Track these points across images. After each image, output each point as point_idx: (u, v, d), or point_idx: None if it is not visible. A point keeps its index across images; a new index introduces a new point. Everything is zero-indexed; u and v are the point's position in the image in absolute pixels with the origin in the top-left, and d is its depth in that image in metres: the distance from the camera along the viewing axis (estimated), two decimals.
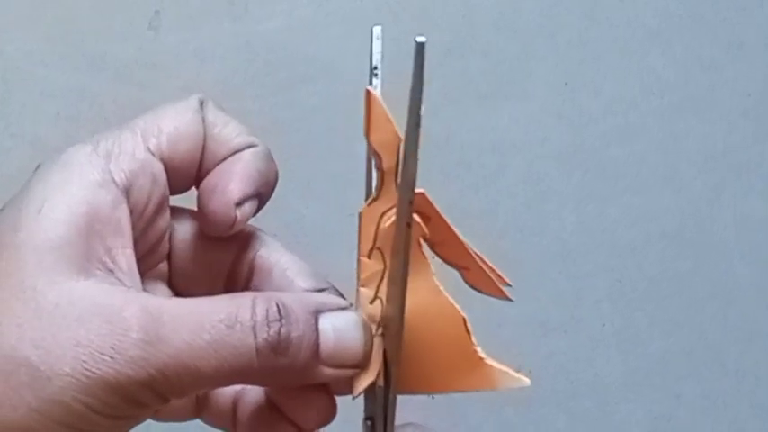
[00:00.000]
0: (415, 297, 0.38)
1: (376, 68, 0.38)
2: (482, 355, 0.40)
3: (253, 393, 0.43)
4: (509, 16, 0.81)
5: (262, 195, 0.40)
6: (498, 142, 0.82)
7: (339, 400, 0.41)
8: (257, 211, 0.41)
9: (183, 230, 0.42)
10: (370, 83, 0.38)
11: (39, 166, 0.39)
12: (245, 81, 0.78)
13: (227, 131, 0.40)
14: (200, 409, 0.43)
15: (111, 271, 0.37)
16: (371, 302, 0.39)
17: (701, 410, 0.85)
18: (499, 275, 0.41)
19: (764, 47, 0.85)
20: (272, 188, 0.41)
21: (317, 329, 0.38)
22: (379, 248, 0.39)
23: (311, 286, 0.41)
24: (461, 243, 0.40)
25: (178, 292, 0.42)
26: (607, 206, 0.83)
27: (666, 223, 0.84)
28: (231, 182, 0.40)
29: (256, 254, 0.42)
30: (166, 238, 0.42)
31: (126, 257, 0.38)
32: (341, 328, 0.38)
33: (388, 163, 0.38)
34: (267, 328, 0.37)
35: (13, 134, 0.76)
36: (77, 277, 0.36)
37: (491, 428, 0.83)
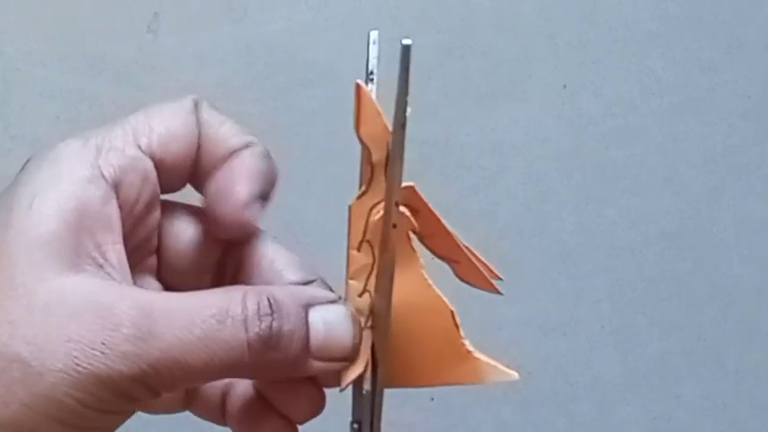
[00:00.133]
0: (404, 290, 0.39)
1: (372, 73, 0.38)
2: (470, 348, 0.40)
3: (242, 386, 0.43)
4: (508, 18, 0.82)
5: (267, 195, 0.41)
6: (498, 143, 0.82)
7: (328, 396, 0.42)
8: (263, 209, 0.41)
9: (172, 224, 0.42)
10: (366, 87, 0.38)
11: (28, 160, 0.39)
12: (245, 84, 0.79)
13: (224, 131, 0.40)
14: (189, 401, 0.43)
15: (101, 266, 0.37)
16: (360, 295, 0.39)
17: (700, 411, 0.85)
18: (489, 268, 0.41)
19: (764, 48, 0.85)
20: (274, 186, 0.41)
21: (307, 323, 0.38)
22: (368, 241, 0.39)
23: (299, 278, 0.41)
24: (451, 236, 0.40)
25: (167, 285, 0.42)
26: (606, 207, 0.83)
27: (666, 224, 0.84)
28: (238, 184, 0.40)
29: (245, 246, 0.42)
30: (156, 233, 0.42)
31: (116, 252, 0.38)
32: (331, 322, 0.39)
33: (377, 156, 0.38)
34: (259, 323, 0.37)
35: (12, 135, 0.76)
36: (68, 273, 0.36)
37: (490, 429, 0.83)
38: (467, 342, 0.40)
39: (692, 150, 0.84)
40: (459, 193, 0.81)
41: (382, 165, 0.38)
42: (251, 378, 0.42)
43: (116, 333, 0.35)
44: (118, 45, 0.77)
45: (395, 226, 0.37)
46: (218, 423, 0.44)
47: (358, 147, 0.39)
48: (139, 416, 0.39)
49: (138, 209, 0.40)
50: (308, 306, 0.38)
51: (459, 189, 0.81)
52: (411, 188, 0.39)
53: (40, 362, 0.35)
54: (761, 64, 0.85)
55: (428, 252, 0.41)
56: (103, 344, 0.35)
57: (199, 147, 0.40)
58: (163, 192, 0.41)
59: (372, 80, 0.38)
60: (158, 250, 0.42)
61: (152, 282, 0.42)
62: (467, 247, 0.41)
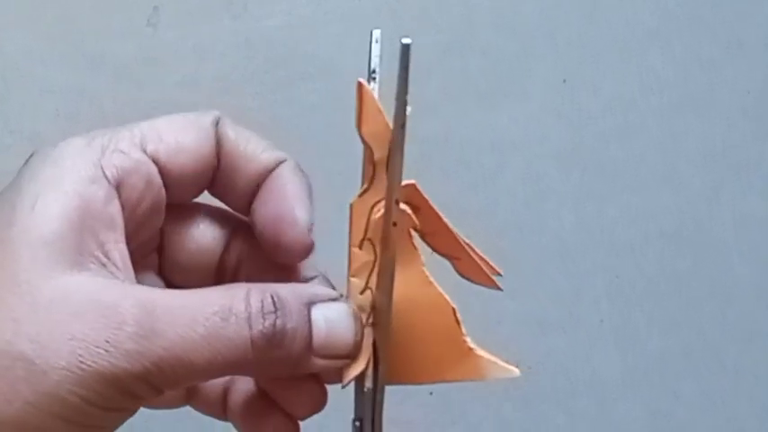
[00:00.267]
0: (405, 288, 0.39)
1: (374, 72, 0.38)
2: (471, 345, 0.40)
3: (243, 382, 0.43)
4: (508, 15, 0.81)
5: (313, 208, 0.41)
6: (497, 141, 0.82)
7: (330, 392, 0.42)
8: None
9: (174, 221, 0.42)
10: (369, 86, 0.38)
11: (31, 155, 0.39)
12: (245, 78, 0.78)
13: (252, 147, 0.41)
14: (190, 396, 0.44)
15: (104, 265, 0.38)
16: (362, 293, 0.40)
17: (699, 408, 0.85)
18: (489, 265, 0.41)
19: (763, 45, 0.85)
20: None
21: (309, 321, 0.38)
22: (369, 239, 0.39)
23: (302, 274, 0.42)
24: (452, 233, 0.40)
25: (169, 282, 0.43)
26: (606, 205, 0.83)
27: (665, 222, 0.84)
28: (296, 208, 0.40)
29: (246, 242, 0.42)
30: (158, 234, 0.42)
31: (119, 251, 0.38)
32: (333, 319, 0.39)
33: (378, 154, 0.38)
34: (262, 320, 0.37)
35: (12, 131, 0.76)
36: (71, 271, 0.36)
37: (490, 426, 0.83)
38: (468, 339, 0.40)
39: (691, 147, 0.84)
40: (459, 190, 0.81)
41: (384, 163, 0.38)
42: (253, 375, 0.42)
43: (120, 331, 0.36)
44: (117, 40, 0.77)
45: (395, 224, 0.37)
46: (218, 418, 0.44)
47: (358, 141, 0.39)
48: (141, 411, 0.39)
49: (140, 211, 0.40)
50: (310, 303, 0.39)
51: (459, 186, 0.81)
52: (412, 186, 0.39)
53: (44, 360, 0.35)
54: (760, 61, 0.85)
55: (428, 249, 0.41)
56: (107, 342, 0.35)
57: (220, 162, 0.41)
58: (174, 201, 0.41)
59: (375, 78, 0.38)
60: (160, 247, 0.42)
61: (154, 279, 0.42)
62: (467, 244, 0.41)
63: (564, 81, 0.82)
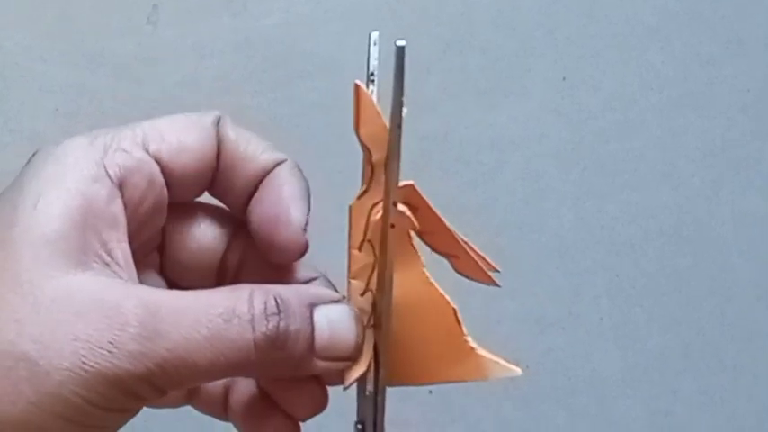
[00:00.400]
0: (406, 289, 0.39)
1: (372, 74, 0.38)
2: (473, 345, 0.40)
3: (244, 382, 0.43)
4: (507, 13, 0.81)
5: (309, 209, 0.41)
6: (496, 139, 0.82)
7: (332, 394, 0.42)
8: None
9: (176, 220, 0.42)
10: (367, 88, 0.38)
11: (34, 154, 0.39)
12: (244, 77, 0.78)
13: (253, 148, 0.41)
14: (191, 396, 0.44)
15: (107, 264, 0.37)
16: (362, 294, 0.40)
17: (698, 406, 0.85)
18: (487, 261, 0.41)
19: (763, 43, 0.85)
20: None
21: (312, 322, 0.38)
22: (369, 241, 0.39)
23: (303, 275, 0.42)
24: (450, 232, 0.40)
25: (170, 281, 0.43)
26: (605, 202, 0.83)
27: (665, 220, 0.84)
28: (291, 208, 0.40)
29: (248, 242, 0.42)
30: (160, 233, 0.42)
31: (122, 251, 0.38)
32: (335, 321, 0.39)
33: (377, 156, 0.38)
34: (266, 322, 0.37)
35: (11, 129, 0.76)
36: (74, 271, 0.36)
37: (490, 424, 0.83)
38: (469, 339, 0.40)
39: (691, 145, 0.84)
40: (458, 188, 0.81)
41: (382, 165, 0.38)
42: (256, 376, 0.42)
43: (123, 332, 0.36)
44: (117, 39, 0.77)
45: (393, 226, 0.37)
46: (219, 418, 0.44)
47: (357, 140, 0.38)
48: (141, 410, 0.39)
49: (142, 210, 0.40)
50: (312, 305, 0.39)
51: (458, 184, 0.81)
52: (411, 186, 0.39)
53: (47, 360, 0.35)
54: (760, 59, 0.85)
55: (427, 248, 0.41)
56: (110, 343, 0.35)
57: (219, 162, 0.41)
58: (176, 200, 0.41)
59: (373, 81, 0.38)
60: (162, 247, 0.42)
61: (156, 278, 0.42)
62: (464, 242, 0.41)
63: (563, 79, 0.82)
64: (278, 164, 0.41)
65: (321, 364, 0.39)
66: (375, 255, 0.39)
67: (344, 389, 0.40)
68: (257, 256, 0.42)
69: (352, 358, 0.39)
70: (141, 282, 0.39)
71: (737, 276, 0.85)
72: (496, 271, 0.41)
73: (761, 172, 0.85)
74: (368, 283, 0.39)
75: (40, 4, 0.76)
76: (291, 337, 0.37)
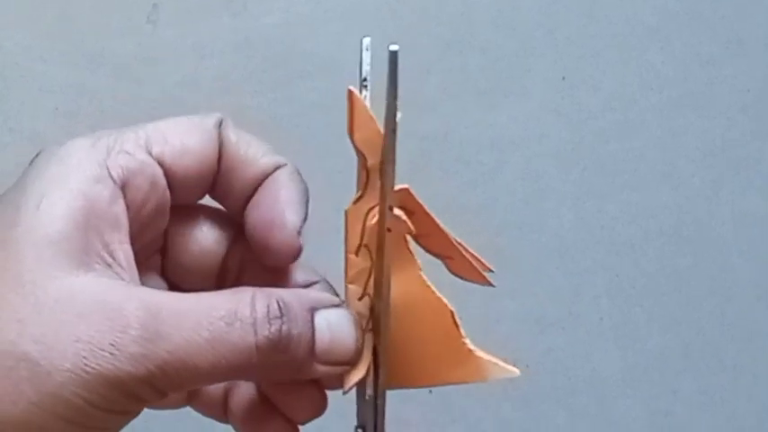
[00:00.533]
0: (403, 293, 0.39)
1: (365, 80, 0.38)
2: (471, 347, 0.40)
3: (244, 385, 0.43)
4: (507, 13, 0.81)
5: (307, 214, 0.41)
6: (496, 139, 0.82)
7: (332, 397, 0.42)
8: None
9: (178, 222, 0.42)
10: (360, 93, 0.38)
11: (37, 154, 0.39)
12: (244, 77, 0.78)
13: (253, 152, 0.41)
14: (191, 397, 0.44)
15: (109, 265, 0.37)
16: (360, 299, 0.40)
17: (698, 406, 0.85)
18: (481, 262, 0.41)
19: (763, 43, 0.85)
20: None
21: (313, 327, 0.38)
22: (366, 245, 0.39)
23: (303, 279, 0.42)
24: (444, 234, 0.40)
25: (171, 283, 0.43)
26: (605, 202, 0.83)
27: (665, 220, 0.84)
28: (286, 211, 0.40)
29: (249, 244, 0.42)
30: (162, 235, 0.42)
31: (124, 252, 0.38)
32: (335, 325, 0.39)
33: (371, 161, 0.38)
34: (268, 326, 0.37)
35: (11, 129, 0.76)
36: (77, 272, 0.36)
37: (489, 424, 0.83)
38: (468, 341, 0.40)
39: (691, 145, 0.84)
40: (458, 187, 0.81)
41: (377, 169, 0.38)
42: (256, 380, 0.42)
43: (124, 334, 0.36)
44: (117, 38, 0.77)
45: (389, 230, 0.37)
46: (219, 420, 0.44)
47: (351, 145, 0.38)
48: (143, 411, 0.39)
49: (144, 212, 0.40)
50: (313, 309, 0.39)
51: (458, 184, 0.81)
52: (406, 190, 0.39)
53: (49, 361, 0.35)
54: (760, 59, 0.85)
55: (422, 249, 0.41)
56: (112, 345, 0.35)
57: (220, 165, 0.41)
58: (178, 202, 0.41)
59: (366, 86, 0.38)
60: (164, 248, 0.42)
61: (157, 280, 0.42)
62: (459, 243, 0.41)
63: (563, 79, 0.82)
64: (277, 167, 0.41)
65: (321, 368, 0.39)
66: (372, 259, 0.39)
67: (344, 393, 0.40)
68: (257, 259, 0.42)
69: (352, 362, 0.39)
70: (143, 283, 0.39)
71: (737, 276, 0.85)
72: (491, 271, 0.41)
73: (761, 172, 0.85)
74: (365, 288, 0.39)
75: (39, 4, 0.76)
76: (293, 340, 0.38)
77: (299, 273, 0.42)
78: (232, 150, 0.41)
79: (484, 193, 0.82)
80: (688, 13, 0.83)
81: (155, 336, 0.36)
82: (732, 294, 0.85)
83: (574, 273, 0.83)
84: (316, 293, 0.40)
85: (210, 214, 0.43)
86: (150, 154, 0.39)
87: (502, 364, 0.40)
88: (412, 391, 0.41)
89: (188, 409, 0.44)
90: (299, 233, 0.40)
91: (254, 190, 0.41)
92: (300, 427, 0.43)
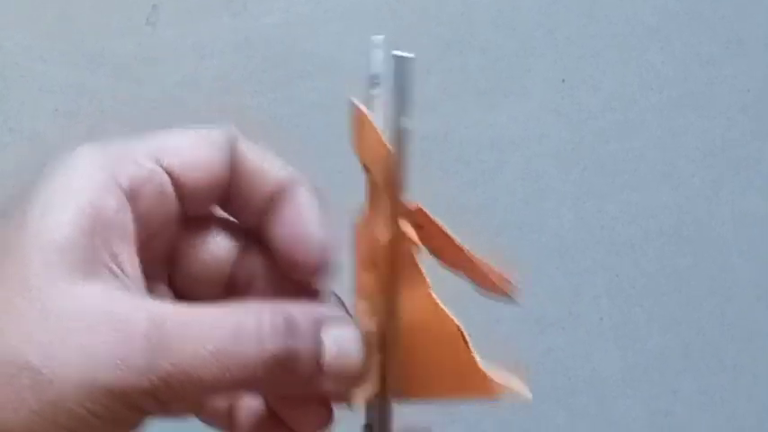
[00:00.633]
0: (412, 310, 0.38)
1: (376, 77, 0.38)
2: (481, 365, 0.40)
3: (250, 397, 0.43)
4: (507, 13, 0.81)
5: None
6: (496, 139, 0.82)
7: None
8: None
9: (186, 233, 0.42)
10: (370, 92, 0.38)
11: (46, 165, 0.39)
12: (244, 77, 0.78)
13: (268, 166, 0.41)
14: (196, 407, 0.43)
15: (115, 275, 0.37)
16: (369, 315, 0.39)
17: (698, 406, 0.85)
18: (505, 277, 0.41)
19: (763, 43, 0.85)
20: None
21: (320, 342, 0.38)
22: (375, 262, 0.39)
23: (312, 291, 0.42)
24: (459, 249, 0.40)
25: (178, 293, 0.42)
26: (605, 203, 0.83)
27: (665, 220, 0.84)
28: (313, 229, 0.40)
29: (258, 257, 0.42)
30: (170, 246, 0.42)
31: (131, 261, 0.38)
32: (343, 341, 0.38)
33: (378, 177, 0.38)
34: (275, 340, 0.37)
35: (11, 129, 0.76)
36: (83, 282, 0.36)
37: (489, 425, 0.83)
38: (478, 359, 0.40)
39: (691, 145, 0.84)
40: (458, 188, 0.81)
41: (384, 186, 0.38)
42: (262, 393, 0.42)
43: (129, 345, 0.35)
44: (117, 39, 0.77)
45: (400, 246, 0.37)
46: (224, 430, 0.43)
47: (358, 161, 0.38)
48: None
49: (152, 222, 0.40)
50: (321, 324, 0.38)
51: (458, 184, 0.81)
52: (416, 206, 0.38)
53: (51, 370, 0.35)
54: (760, 59, 0.85)
55: (434, 264, 0.40)
56: (116, 355, 0.35)
57: (234, 179, 0.41)
58: (185, 213, 0.41)
59: (377, 84, 0.38)
60: (171, 258, 0.42)
61: (164, 289, 0.42)
62: (479, 259, 0.40)
63: (563, 80, 0.82)
64: (293, 181, 0.41)
65: (328, 383, 0.38)
66: (381, 275, 0.39)
67: (351, 409, 0.40)
68: (266, 271, 0.42)
69: (359, 378, 0.39)
70: (149, 293, 0.39)
71: (737, 276, 0.85)
72: (515, 286, 0.41)
73: (761, 172, 0.85)
74: (374, 304, 0.39)
75: (40, 4, 0.76)
76: (299, 356, 0.37)
77: (308, 284, 0.42)
78: (246, 165, 0.41)
79: (484, 193, 0.82)
80: (688, 13, 0.83)
81: (159, 347, 0.35)
82: (732, 294, 0.85)
83: (574, 273, 0.83)
84: (323, 308, 0.40)
85: (219, 224, 0.42)
86: (159, 164, 0.39)
87: (513, 383, 0.40)
88: None
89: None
90: (329, 250, 0.40)
91: (270, 204, 0.41)
92: None
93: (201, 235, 0.42)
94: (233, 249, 0.42)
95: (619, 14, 0.83)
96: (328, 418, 0.41)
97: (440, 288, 0.40)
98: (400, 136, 0.34)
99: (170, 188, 0.40)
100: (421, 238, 0.38)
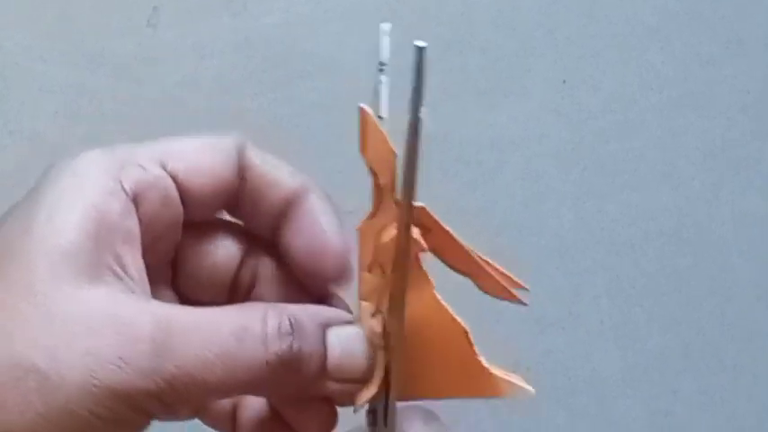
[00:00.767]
0: (416, 311, 0.39)
1: (383, 64, 0.38)
2: (485, 365, 0.40)
3: (254, 399, 0.43)
4: (508, 13, 0.81)
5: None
6: (497, 139, 0.82)
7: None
8: None
9: (189, 237, 0.42)
10: (378, 78, 0.38)
11: (51, 166, 0.39)
12: (244, 77, 0.78)
13: (279, 173, 0.41)
14: (199, 409, 0.43)
15: (120, 278, 0.37)
16: (373, 316, 0.39)
17: (698, 406, 0.85)
18: (512, 280, 0.41)
19: (763, 43, 0.85)
20: None
21: (324, 344, 0.38)
22: (378, 263, 0.39)
23: (317, 294, 0.42)
24: (465, 251, 0.40)
25: (182, 296, 0.42)
26: (605, 203, 0.83)
27: (665, 220, 0.84)
28: (332, 238, 0.40)
29: (261, 259, 0.42)
30: (174, 249, 0.42)
31: (135, 265, 0.38)
32: (347, 343, 0.39)
33: (384, 179, 0.38)
34: (279, 342, 0.37)
35: (11, 130, 0.76)
36: (88, 286, 0.36)
37: (490, 425, 0.83)
38: (482, 359, 0.40)
39: (691, 146, 0.84)
40: (458, 188, 0.81)
41: (389, 188, 0.38)
42: (266, 396, 0.42)
43: (134, 348, 0.35)
44: (117, 39, 0.77)
45: (406, 247, 0.37)
46: None
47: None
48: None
49: (157, 226, 0.40)
50: (325, 326, 0.38)
51: (458, 184, 0.81)
52: (422, 208, 0.38)
53: (56, 372, 0.35)
54: (760, 59, 0.85)
55: (441, 264, 0.40)
56: (121, 358, 0.35)
57: (244, 186, 0.41)
58: (189, 218, 0.41)
59: (383, 71, 0.38)
60: (175, 261, 0.42)
61: (168, 293, 0.42)
62: (486, 261, 0.40)
63: (563, 80, 0.82)
64: (305, 189, 0.41)
65: (332, 385, 0.39)
66: (385, 277, 0.39)
67: (355, 411, 0.40)
68: (270, 274, 0.42)
69: (364, 380, 0.39)
70: (153, 296, 0.39)
71: (737, 276, 0.85)
72: (524, 288, 0.41)
73: (761, 172, 0.85)
74: (378, 305, 0.39)
75: (40, 4, 0.76)
76: (304, 358, 0.37)
77: (312, 289, 0.42)
78: (255, 171, 0.41)
79: (484, 193, 0.82)
80: (688, 13, 0.84)
81: (164, 350, 0.36)
82: (732, 294, 0.85)
83: (574, 273, 0.83)
84: (328, 310, 0.40)
85: (223, 227, 0.43)
86: (164, 169, 0.39)
87: (516, 381, 0.40)
88: None
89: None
90: (349, 257, 0.40)
91: (282, 211, 0.41)
92: None
93: (206, 239, 0.42)
94: (237, 253, 0.42)
95: (619, 14, 0.83)
96: (332, 420, 0.41)
97: (440, 288, 0.40)
98: (417, 126, 0.34)
99: (175, 193, 0.40)
100: (427, 241, 0.38)
